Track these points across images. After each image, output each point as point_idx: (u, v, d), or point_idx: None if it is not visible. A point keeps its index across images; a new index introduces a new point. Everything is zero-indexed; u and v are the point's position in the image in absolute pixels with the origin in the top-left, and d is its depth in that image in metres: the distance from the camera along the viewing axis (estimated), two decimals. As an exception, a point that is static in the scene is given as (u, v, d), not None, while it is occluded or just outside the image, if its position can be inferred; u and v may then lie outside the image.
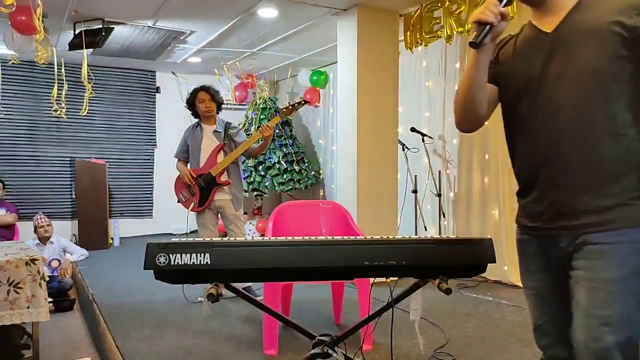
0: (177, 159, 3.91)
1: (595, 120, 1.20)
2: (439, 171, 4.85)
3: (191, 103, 3.79)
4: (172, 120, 7.02)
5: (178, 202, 3.81)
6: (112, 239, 6.60)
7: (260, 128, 3.56)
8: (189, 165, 3.82)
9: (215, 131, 3.74)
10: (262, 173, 6.47)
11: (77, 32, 4.58)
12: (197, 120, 3.85)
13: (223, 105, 3.92)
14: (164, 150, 7.05)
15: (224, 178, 3.66)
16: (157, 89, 7.41)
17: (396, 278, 1.42)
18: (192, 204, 3.69)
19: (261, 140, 3.62)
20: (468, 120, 1.40)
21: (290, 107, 3.77)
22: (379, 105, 4.40)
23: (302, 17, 4.55)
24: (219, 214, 3.75)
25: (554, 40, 1.25)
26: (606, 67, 1.17)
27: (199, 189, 3.67)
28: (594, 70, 1.18)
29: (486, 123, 1.44)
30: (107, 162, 6.64)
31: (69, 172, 6.72)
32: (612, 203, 1.20)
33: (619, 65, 1.17)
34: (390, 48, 4.47)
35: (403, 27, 4.38)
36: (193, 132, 3.81)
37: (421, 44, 4.21)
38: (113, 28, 4.67)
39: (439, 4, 3.94)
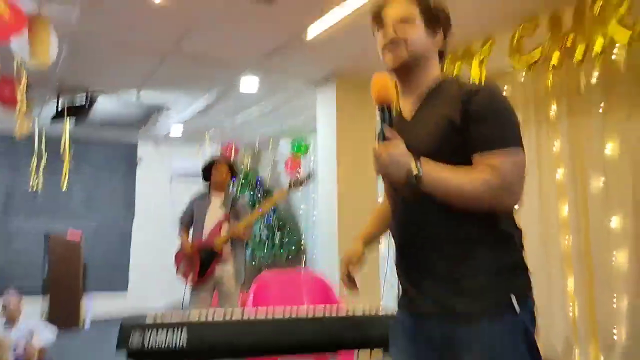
0: (180, 224, 3.81)
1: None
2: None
3: (207, 170, 3.75)
4: (151, 191, 6.98)
5: (177, 273, 3.66)
6: (84, 319, 6.26)
7: (263, 203, 3.56)
8: (191, 232, 3.72)
9: (223, 202, 3.70)
10: (245, 245, 6.38)
11: (60, 103, 4.61)
12: (206, 188, 3.80)
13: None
14: (142, 222, 6.94)
15: (226, 251, 3.56)
16: (138, 161, 7.43)
17: (381, 349, 1.38)
18: (191, 275, 3.55)
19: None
20: None
21: (298, 182, 3.74)
22: (359, 173, 4.45)
23: (282, 88, 4.70)
24: (216, 289, 3.59)
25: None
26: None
27: (200, 260, 3.55)
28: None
29: None
30: (83, 234, 6.47)
31: (43, 246, 6.51)
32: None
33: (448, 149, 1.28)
34: (369, 116, 4.61)
35: (380, 98, 4.54)
36: (201, 200, 3.75)
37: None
38: (97, 100, 4.74)
39: (413, 76, 4.12)
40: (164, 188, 7.08)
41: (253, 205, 6.50)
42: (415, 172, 1.19)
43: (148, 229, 6.94)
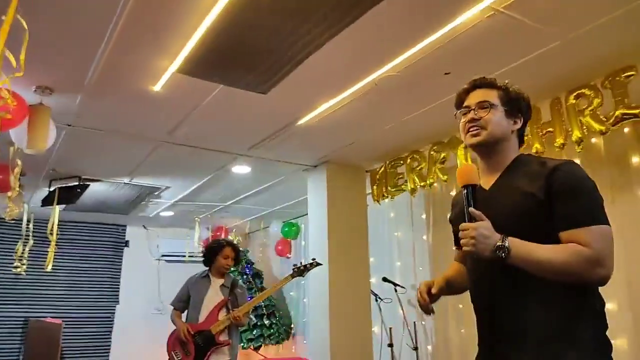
0: (172, 308, 3.66)
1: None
2: (414, 322, 4.72)
3: (213, 253, 3.66)
4: (138, 275, 6.81)
5: (171, 358, 3.47)
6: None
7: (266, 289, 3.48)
8: (184, 316, 3.58)
9: (222, 285, 3.60)
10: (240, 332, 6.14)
11: (52, 189, 4.64)
12: (206, 269, 3.71)
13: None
14: (126, 307, 6.70)
15: (223, 338, 3.41)
16: (126, 243, 7.32)
17: None
18: None
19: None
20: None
21: (303, 267, 3.71)
22: (350, 255, 4.43)
23: (274, 172, 4.79)
24: None
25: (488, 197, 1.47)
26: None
27: (195, 348, 3.38)
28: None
29: None
30: (63, 321, 6.19)
31: (20, 334, 6.19)
32: None
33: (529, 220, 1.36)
34: (359, 201, 4.67)
35: (370, 181, 4.64)
36: (199, 282, 3.64)
37: (387, 197, 4.42)
38: (89, 185, 4.78)
39: (402, 161, 4.25)
40: (150, 271, 6.92)
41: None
42: (503, 248, 1.27)
43: (132, 313, 6.69)
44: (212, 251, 3.68)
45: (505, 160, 1.49)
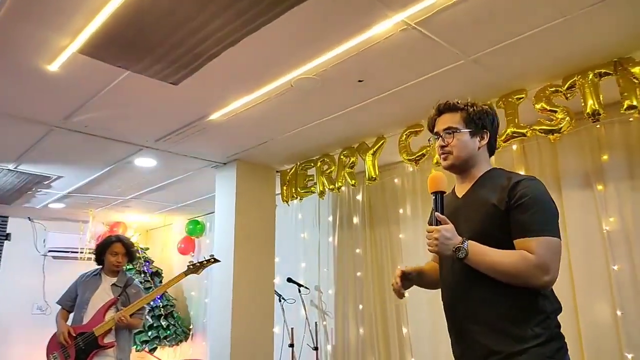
0: (59, 307, 3.37)
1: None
2: (316, 323, 4.80)
3: (101, 252, 3.41)
4: (19, 271, 6.17)
5: None
6: None
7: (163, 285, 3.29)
8: (71, 317, 3.28)
9: (114, 285, 3.35)
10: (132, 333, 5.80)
11: None
12: (98, 268, 3.44)
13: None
14: (4, 307, 6.04)
15: (108, 340, 3.17)
16: (7, 236, 6.61)
17: None
18: None
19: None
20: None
21: (199, 264, 3.55)
22: (256, 255, 4.40)
23: (181, 168, 4.61)
24: None
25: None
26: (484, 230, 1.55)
27: (76, 351, 3.11)
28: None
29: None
30: None
31: None
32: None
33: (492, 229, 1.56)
34: (267, 201, 4.65)
35: (280, 182, 4.64)
36: (88, 280, 3.36)
37: (296, 198, 4.45)
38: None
39: (312, 164, 4.31)
40: (35, 267, 6.32)
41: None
42: (461, 250, 1.46)
43: (11, 313, 6.05)
44: (100, 248, 3.47)
45: (477, 173, 1.68)
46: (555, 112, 2.84)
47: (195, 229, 6.44)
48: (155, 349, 5.96)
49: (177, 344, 6.24)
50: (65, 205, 5.94)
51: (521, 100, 3.00)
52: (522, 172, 3.51)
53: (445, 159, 1.69)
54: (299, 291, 4.77)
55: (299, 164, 4.43)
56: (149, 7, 2.16)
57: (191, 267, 3.54)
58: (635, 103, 2.56)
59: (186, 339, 6.39)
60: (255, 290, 4.30)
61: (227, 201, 4.46)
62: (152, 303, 6.03)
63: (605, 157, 3.23)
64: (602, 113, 2.67)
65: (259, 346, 4.21)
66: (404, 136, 3.53)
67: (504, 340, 1.45)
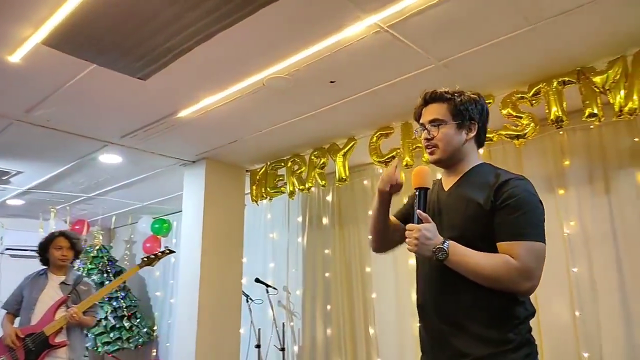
0: (5, 311, 3.22)
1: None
2: (283, 323, 4.77)
3: (44, 248, 3.27)
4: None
5: None
6: None
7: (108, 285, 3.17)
8: (17, 321, 3.14)
9: (62, 283, 3.22)
10: (84, 331, 5.62)
11: None
12: (44, 268, 3.30)
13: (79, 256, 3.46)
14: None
15: (59, 339, 3.04)
16: (-40, 232, 6.33)
17: None
18: None
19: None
20: (374, 241, 1.78)
21: (153, 256, 3.46)
22: (224, 255, 4.34)
23: (148, 165, 4.50)
24: None
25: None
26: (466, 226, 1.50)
27: (25, 352, 2.98)
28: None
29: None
30: None
31: None
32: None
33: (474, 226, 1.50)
34: (237, 200, 4.60)
35: (249, 181, 4.60)
36: (35, 280, 3.22)
37: (266, 198, 4.42)
38: None
39: (283, 164, 4.29)
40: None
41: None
42: (442, 251, 1.40)
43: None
44: (43, 245, 3.33)
45: (464, 167, 1.60)
46: (521, 117, 2.92)
47: (162, 228, 6.31)
48: (117, 350, 5.80)
49: (141, 346, 6.10)
50: (24, 202, 5.72)
51: (489, 105, 3.06)
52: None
53: (432, 153, 1.60)
54: (267, 292, 4.74)
55: (269, 163, 4.41)
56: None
57: (145, 259, 3.45)
58: (595, 111, 2.66)
59: (150, 340, 6.25)
60: (222, 291, 4.25)
61: (195, 200, 4.39)
62: (114, 303, 5.88)
63: (567, 162, 3.34)
64: (565, 120, 2.76)
65: (225, 347, 4.16)
66: (375, 138, 3.56)
67: (474, 343, 1.42)
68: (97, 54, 2.55)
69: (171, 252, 3.61)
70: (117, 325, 5.83)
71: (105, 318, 5.73)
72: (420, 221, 1.44)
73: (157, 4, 2.15)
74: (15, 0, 2.11)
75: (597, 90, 2.66)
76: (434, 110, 1.60)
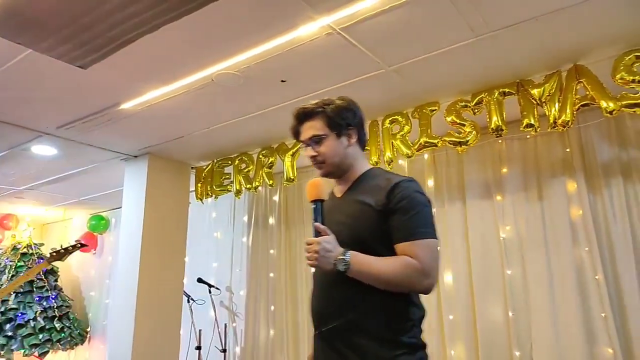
0: None
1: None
2: (225, 324, 4.69)
3: None
4: None
5: None
6: None
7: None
8: None
9: None
10: (10, 333, 5.27)
11: None
12: None
13: None
14: None
15: None
16: None
17: None
18: None
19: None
20: None
21: (63, 250, 3.28)
22: (165, 254, 4.21)
23: (86, 158, 4.28)
24: None
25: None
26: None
27: None
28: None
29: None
30: None
31: None
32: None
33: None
34: (180, 198, 4.48)
35: (195, 179, 4.48)
36: None
37: (211, 196, 4.33)
38: None
39: (230, 162, 4.21)
40: None
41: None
42: (343, 262, 1.40)
43: None
44: None
45: (354, 173, 1.64)
46: (464, 125, 3.03)
47: (99, 224, 6.03)
48: (46, 352, 5.48)
49: (72, 348, 5.79)
50: (-56, 194, 5.29)
51: (434, 112, 3.16)
52: (430, 182, 3.71)
53: (320, 168, 1.62)
54: (210, 292, 4.64)
55: (215, 161, 4.32)
56: (58, -18, 1.99)
57: (54, 254, 3.29)
58: (532, 122, 2.81)
59: (82, 342, 5.95)
60: (163, 291, 4.12)
61: (136, 196, 4.23)
62: (45, 303, 5.55)
63: (504, 170, 3.50)
64: (504, 129, 2.89)
65: (164, 349, 4.03)
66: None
67: (372, 346, 1.42)
68: (33, 39, 2.39)
69: (83, 245, 3.45)
70: (47, 327, 5.51)
71: (34, 319, 5.40)
72: (318, 234, 1.44)
73: (101, -10, 2.04)
74: (-60, -25, 1.94)
75: (534, 102, 2.80)
76: (311, 127, 1.61)
